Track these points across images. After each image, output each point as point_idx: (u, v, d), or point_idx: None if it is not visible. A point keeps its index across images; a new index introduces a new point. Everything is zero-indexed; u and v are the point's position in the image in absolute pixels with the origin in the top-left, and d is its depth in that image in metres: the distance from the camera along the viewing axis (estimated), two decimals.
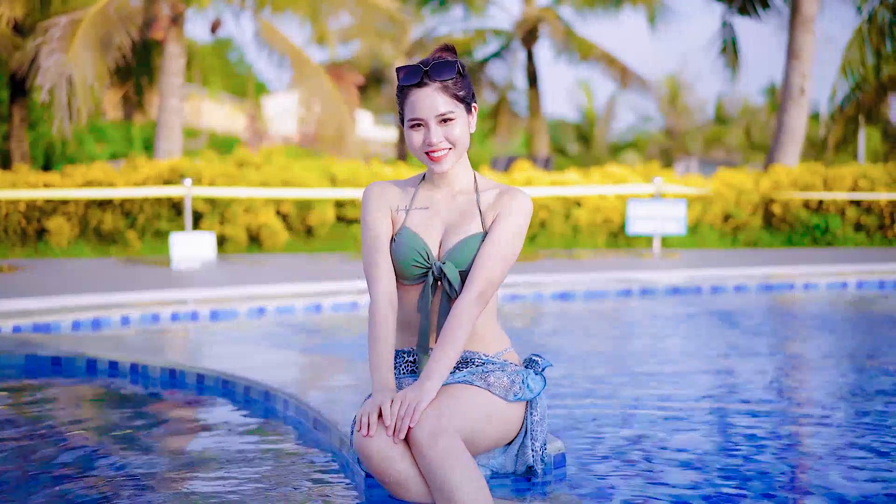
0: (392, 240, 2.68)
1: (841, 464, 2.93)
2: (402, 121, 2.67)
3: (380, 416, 2.40)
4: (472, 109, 2.67)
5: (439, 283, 2.63)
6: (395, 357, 2.73)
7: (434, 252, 2.66)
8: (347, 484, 2.72)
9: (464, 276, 2.61)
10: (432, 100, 2.58)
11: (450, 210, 2.70)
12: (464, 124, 2.63)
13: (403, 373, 2.70)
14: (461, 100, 2.62)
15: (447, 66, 2.59)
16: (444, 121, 2.60)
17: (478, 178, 2.75)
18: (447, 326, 2.54)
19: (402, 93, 2.62)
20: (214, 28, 17.90)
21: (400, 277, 2.66)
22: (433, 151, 2.61)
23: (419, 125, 2.61)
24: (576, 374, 4.50)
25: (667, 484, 2.72)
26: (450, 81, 2.60)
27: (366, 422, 2.39)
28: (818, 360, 5.21)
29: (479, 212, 2.68)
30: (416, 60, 3.01)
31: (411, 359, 2.70)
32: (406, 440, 2.40)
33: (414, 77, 2.59)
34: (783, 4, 19.40)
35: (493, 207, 2.68)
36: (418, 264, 2.63)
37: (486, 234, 2.65)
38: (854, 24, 17.55)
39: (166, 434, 3.44)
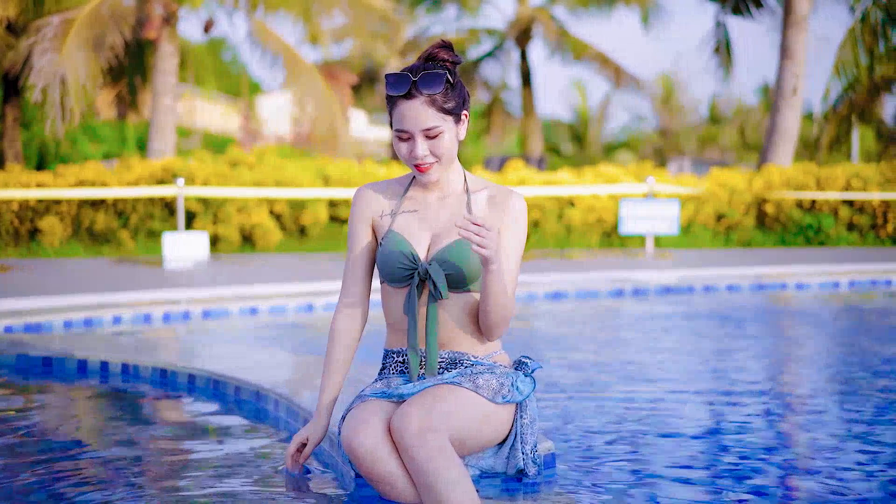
0: (379, 244, 2.68)
1: (834, 462, 2.94)
2: (391, 124, 2.65)
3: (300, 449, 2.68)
4: (463, 118, 2.63)
5: (426, 283, 2.62)
6: (386, 357, 2.74)
7: (422, 254, 2.64)
8: (337, 484, 2.72)
9: (451, 277, 2.60)
10: (418, 113, 2.54)
11: (439, 212, 2.68)
12: (451, 136, 2.59)
13: (393, 372, 2.71)
14: (449, 112, 2.57)
15: (436, 79, 2.53)
16: (431, 136, 2.57)
17: (468, 177, 2.73)
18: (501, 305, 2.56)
19: (391, 100, 2.59)
20: (207, 28, 17.85)
21: (387, 280, 2.66)
22: (419, 164, 2.60)
23: (405, 136, 2.59)
24: (567, 374, 4.51)
25: (658, 484, 2.72)
26: (438, 94, 2.54)
27: (289, 462, 2.70)
28: (810, 360, 5.23)
29: (470, 214, 2.67)
30: (410, 60, 3.00)
31: (401, 359, 2.70)
32: (394, 440, 2.41)
33: (401, 87, 2.54)
34: (776, 4, 19.43)
35: (487, 212, 2.66)
36: (404, 266, 2.61)
37: None
38: (847, 24, 17.59)
39: (158, 434, 3.43)
